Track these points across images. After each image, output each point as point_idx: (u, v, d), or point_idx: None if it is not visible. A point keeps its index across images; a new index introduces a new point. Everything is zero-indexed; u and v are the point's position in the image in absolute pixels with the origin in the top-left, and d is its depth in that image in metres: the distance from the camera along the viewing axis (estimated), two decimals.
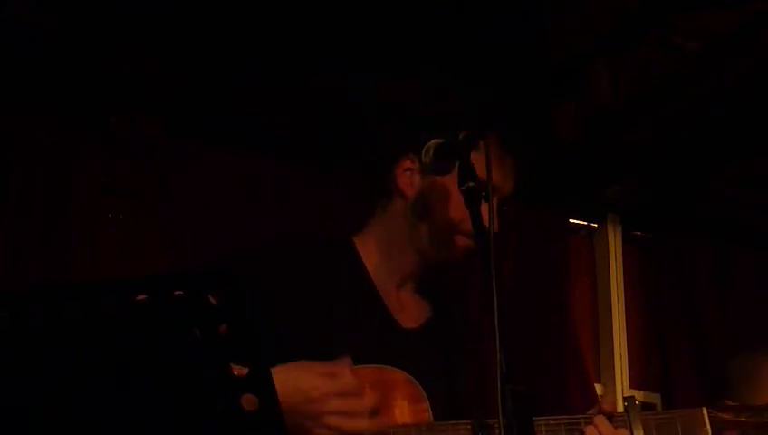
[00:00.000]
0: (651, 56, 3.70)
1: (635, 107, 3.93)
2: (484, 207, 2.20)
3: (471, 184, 2.23)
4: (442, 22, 3.58)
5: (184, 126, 3.90)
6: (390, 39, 3.60)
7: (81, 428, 1.48)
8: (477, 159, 2.29)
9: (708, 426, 2.25)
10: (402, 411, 2.31)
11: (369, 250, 2.60)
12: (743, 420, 2.27)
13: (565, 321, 4.30)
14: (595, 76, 3.86)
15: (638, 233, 4.70)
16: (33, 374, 1.47)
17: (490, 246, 2.10)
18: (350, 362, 2.25)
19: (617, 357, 4.45)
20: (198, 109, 3.88)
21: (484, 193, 2.22)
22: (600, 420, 2.25)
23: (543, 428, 2.24)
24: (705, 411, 2.27)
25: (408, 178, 2.57)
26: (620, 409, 2.31)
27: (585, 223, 4.63)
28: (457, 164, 2.31)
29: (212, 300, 1.44)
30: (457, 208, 2.46)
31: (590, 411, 2.29)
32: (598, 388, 4.38)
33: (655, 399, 4.48)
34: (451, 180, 2.43)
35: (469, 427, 2.25)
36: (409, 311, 2.57)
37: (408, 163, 2.58)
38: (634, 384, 4.47)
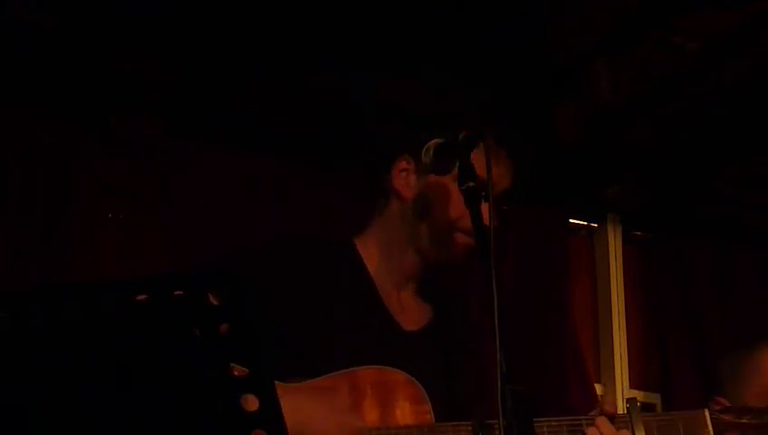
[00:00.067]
0: (651, 56, 3.70)
1: (635, 107, 3.93)
2: (485, 207, 2.20)
3: (471, 184, 2.23)
4: (442, 22, 3.58)
5: (184, 126, 3.90)
6: (390, 39, 3.60)
7: (81, 428, 1.47)
8: (476, 159, 2.29)
9: (710, 427, 2.25)
10: (404, 412, 2.31)
11: (371, 251, 2.60)
12: (744, 421, 2.27)
13: (565, 321, 4.30)
14: (595, 76, 3.86)
15: (638, 233, 4.70)
16: (33, 374, 1.47)
17: (490, 246, 2.10)
18: (361, 422, 2.25)
19: (617, 357, 4.45)
20: (198, 109, 3.88)
21: (484, 193, 2.21)
22: (602, 422, 2.25)
23: (545, 429, 2.24)
24: (706, 413, 2.27)
25: (404, 178, 2.57)
26: (621, 409, 2.31)
27: (585, 223, 4.63)
28: (457, 164, 2.31)
29: (212, 300, 1.44)
30: (455, 207, 2.46)
31: (592, 413, 2.29)
32: (598, 388, 4.38)
33: (655, 399, 4.48)
34: (448, 179, 2.44)
35: (470, 428, 2.25)
36: (410, 313, 2.57)
37: (403, 164, 2.58)
38: (634, 384, 4.47)
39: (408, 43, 3.61)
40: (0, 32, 3.44)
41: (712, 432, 2.25)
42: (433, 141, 2.38)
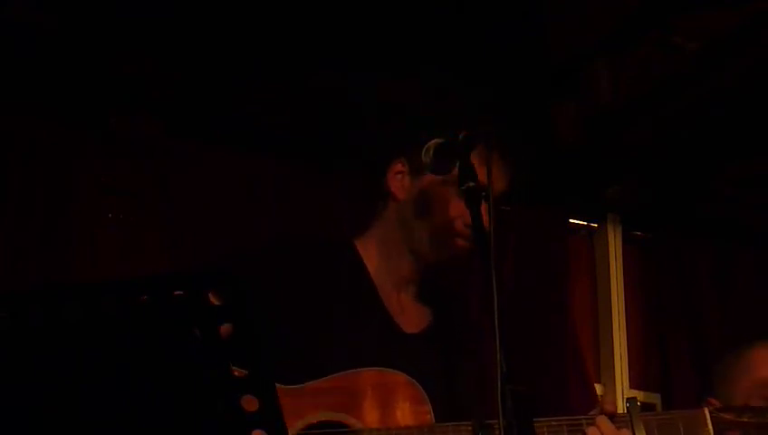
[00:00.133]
0: (651, 56, 3.70)
1: (635, 107, 3.93)
2: (484, 207, 2.20)
3: (471, 184, 2.23)
4: (442, 22, 3.58)
5: (184, 126, 3.90)
6: (390, 39, 3.60)
7: (81, 428, 1.47)
8: (474, 161, 2.29)
9: (710, 426, 2.25)
10: (404, 413, 2.31)
11: (371, 252, 2.60)
12: (744, 420, 2.27)
13: (565, 321, 4.30)
14: (595, 76, 3.86)
15: (638, 233, 4.70)
16: (33, 374, 1.47)
17: (490, 246, 2.10)
18: None
19: (617, 357, 4.45)
20: (198, 109, 3.88)
21: (484, 193, 2.21)
22: (602, 421, 2.25)
23: (545, 429, 2.24)
24: (706, 412, 2.27)
25: (399, 181, 2.58)
26: (621, 409, 2.31)
27: (585, 223, 4.63)
28: (457, 164, 2.31)
29: (212, 300, 1.44)
30: (449, 210, 2.46)
31: (592, 412, 2.29)
32: (598, 388, 4.38)
33: (655, 399, 4.48)
34: (442, 182, 2.44)
35: (470, 428, 2.25)
36: (410, 315, 2.57)
37: (398, 166, 2.58)
38: (634, 384, 4.47)
39: (408, 43, 3.61)
40: (0, 32, 3.44)
41: (712, 431, 2.25)
42: (433, 141, 2.38)
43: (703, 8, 3.47)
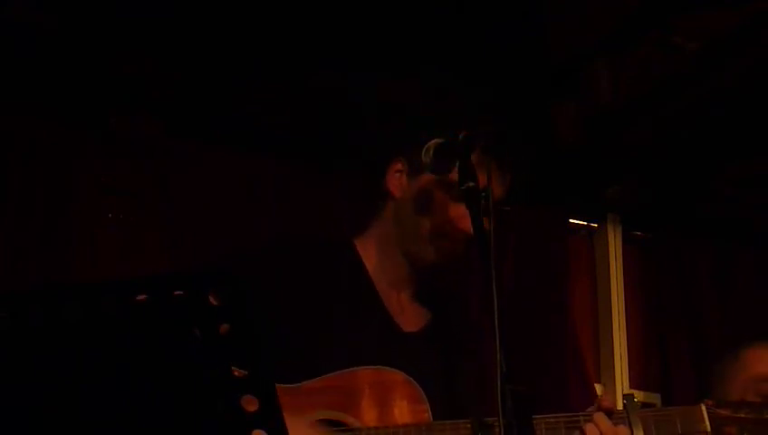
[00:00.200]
0: (651, 56, 3.70)
1: (635, 107, 3.93)
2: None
3: (471, 184, 2.23)
4: (442, 22, 3.58)
5: (184, 126, 3.90)
6: (390, 39, 3.60)
7: (81, 428, 1.47)
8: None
9: (707, 422, 2.26)
10: (402, 412, 2.31)
11: (370, 252, 2.60)
12: (741, 416, 2.27)
13: (565, 321, 4.30)
14: (595, 76, 3.86)
15: (638, 233, 4.70)
16: (33, 374, 1.47)
17: (490, 247, 2.10)
18: None
19: (617, 357, 4.45)
20: (198, 109, 3.88)
21: (484, 193, 2.21)
22: (600, 417, 2.25)
23: (543, 426, 2.24)
24: (703, 408, 2.27)
25: (398, 180, 2.58)
26: (620, 408, 2.30)
27: (585, 223, 4.63)
28: (457, 164, 2.31)
29: (212, 300, 1.44)
30: (444, 210, 2.46)
31: (590, 409, 2.29)
32: (598, 388, 4.38)
33: (655, 399, 4.48)
34: (437, 183, 2.44)
35: (469, 426, 2.25)
36: (409, 315, 2.57)
37: (398, 165, 2.58)
38: (634, 384, 4.47)
39: (408, 43, 3.61)
40: (0, 32, 3.44)
41: (709, 427, 2.25)
42: (433, 141, 2.38)
43: (703, 8, 3.47)
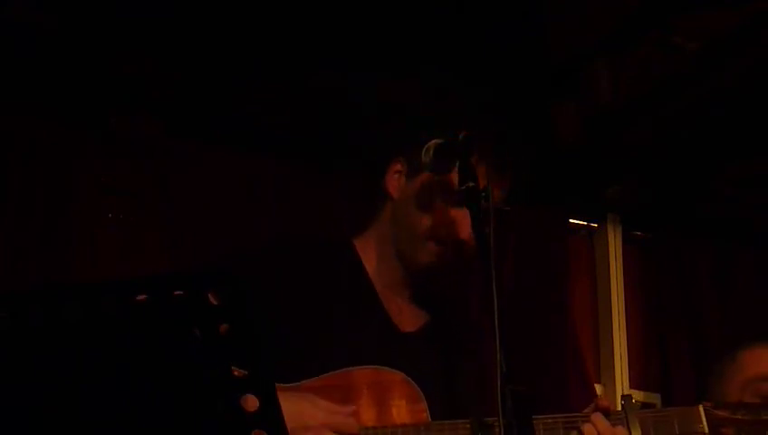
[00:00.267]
0: (651, 56, 3.70)
1: (635, 107, 3.93)
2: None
3: (471, 184, 2.23)
4: (442, 22, 3.58)
5: (184, 126, 3.90)
6: (390, 39, 3.60)
7: (81, 428, 1.47)
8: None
9: (705, 423, 2.26)
10: (400, 411, 2.31)
11: (369, 253, 2.60)
12: (739, 417, 2.28)
13: (565, 321, 4.30)
14: (595, 76, 3.86)
15: (638, 233, 4.70)
16: (33, 374, 1.47)
17: (490, 247, 2.10)
18: (355, 409, 2.26)
19: (617, 357, 4.45)
20: (198, 109, 3.88)
21: (484, 193, 2.21)
22: (598, 418, 2.25)
23: (541, 426, 2.24)
24: (701, 409, 2.28)
25: (396, 180, 2.57)
26: (619, 409, 2.31)
27: (585, 223, 4.63)
28: (457, 164, 2.31)
29: (212, 300, 1.44)
30: (434, 215, 2.45)
31: (587, 409, 2.29)
32: (598, 388, 4.38)
33: (655, 399, 4.48)
34: (431, 186, 2.44)
35: (468, 426, 2.25)
36: (407, 315, 2.57)
37: (398, 166, 2.58)
38: (634, 384, 4.47)
39: (408, 43, 3.61)
40: (0, 32, 3.44)
41: (706, 427, 2.25)
42: (433, 141, 2.38)
43: (703, 8, 3.47)
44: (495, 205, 2.44)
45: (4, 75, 3.56)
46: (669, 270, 4.62)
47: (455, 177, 2.30)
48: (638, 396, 4.37)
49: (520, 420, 1.85)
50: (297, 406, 2.18)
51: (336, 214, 3.85)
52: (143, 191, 3.83)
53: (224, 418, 1.46)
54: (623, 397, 2.32)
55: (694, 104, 3.87)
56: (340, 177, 4.03)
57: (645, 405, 4.31)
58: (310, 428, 2.18)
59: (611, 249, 4.59)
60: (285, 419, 1.46)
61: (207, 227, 3.79)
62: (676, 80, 3.78)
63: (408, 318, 2.56)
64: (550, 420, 2.26)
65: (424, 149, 2.39)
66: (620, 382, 4.41)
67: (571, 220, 4.57)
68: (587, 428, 2.24)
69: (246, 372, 1.45)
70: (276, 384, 1.50)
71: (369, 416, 2.31)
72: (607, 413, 2.26)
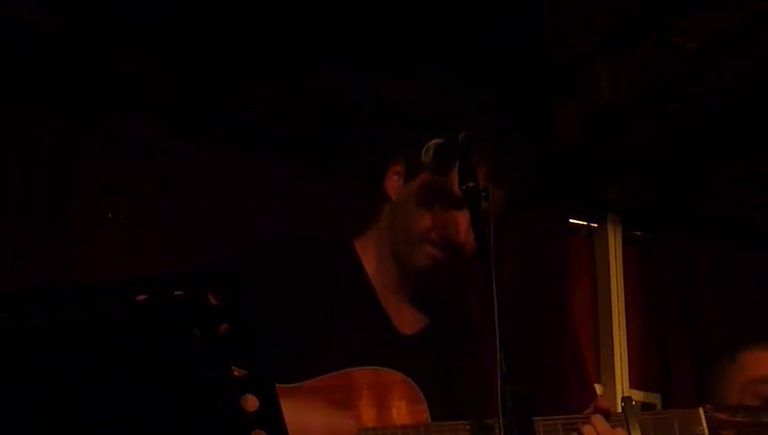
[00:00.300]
0: (651, 56, 3.71)
1: (635, 107, 3.93)
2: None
3: (471, 184, 2.22)
4: (442, 22, 3.58)
5: (184, 126, 3.90)
6: (390, 39, 3.60)
7: (81, 428, 1.47)
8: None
9: (705, 425, 2.26)
10: (400, 412, 2.31)
11: (369, 254, 2.59)
12: (739, 420, 2.27)
13: (565, 321, 4.30)
14: (595, 76, 3.86)
15: (638, 233, 4.70)
16: (33, 374, 1.47)
17: (490, 247, 2.10)
18: (356, 424, 2.26)
19: (617, 357, 4.45)
20: (198, 109, 3.88)
21: (484, 193, 2.21)
22: (598, 420, 2.24)
23: (541, 428, 2.24)
24: (701, 411, 2.27)
25: (396, 182, 2.57)
26: (619, 410, 2.31)
27: (585, 223, 4.63)
28: (457, 164, 2.30)
29: (212, 300, 1.44)
30: (423, 218, 2.45)
31: (587, 411, 2.29)
32: (598, 388, 4.38)
33: (655, 399, 4.48)
34: (428, 188, 2.44)
35: (468, 427, 2.25)
36: (406, 317, 2.57)
37: (397, 167, 2.58)
38: (634, 384, 4.47)
39: (408, 43, 3.61)
40: (0, 32, 3.44)
41: (707, 430, 2.25)
42: (433, 141, 2.37)
43: (703, 8, 3.47)
44: (496, 205, 2.44)
45: (4, 75, 3.56)
46: (669, 270, 4.62)
47: (454, 177, 2.30)
48: (638, 396, 4.37)
49: (520, 420, 1.85)
50: (296, 414, 2.18)
51: (336, 214, 3.85)
52: (143, 191, 3.83)
53: (224, 418, 1.46)
54: (623, 399, 2.31)
55: (694, 104, 3.87)
56: (340, 177, 4.03)
57: (645, 405, 4.31)
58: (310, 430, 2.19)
59: (611, 249, 4.59)
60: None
61: (207, 227, 3.79)
62: (676, 80, 3.79)
63: (407, 320, 2.56)
64: (549, 422, 2.26)
65: (424, 150, 2.38)
66: (620, 382, 4.42)
67: (571, 220, 4.57)
68: (587, 429, 2.24)
69: (246, 372, 1.45)
70: (277, 385, 1.50)
71: (369, 417, 2.31)
72: (606, 414, 2.26)
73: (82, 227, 3.69)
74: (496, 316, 1.94)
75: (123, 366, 1.46)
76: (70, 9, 3.46)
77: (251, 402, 1.45)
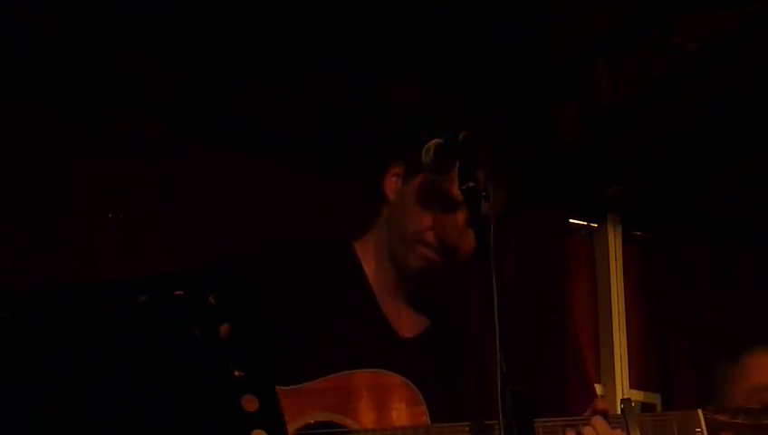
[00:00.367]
0: (651, 56, 3.71)
1: (635, 107, 3.93)
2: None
3: (471, 184, 2.22)
4: (442, 22, 3.58)
5: (184, 126, 3.91)
6: (390, 39, 3.60)
7: (81, 428, 1.47)
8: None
9: (704, 427, 2.26)
10: (399, 414, 2.31)
11: (368, 255, 2.59)
12: (738, 421, 2.27)
13: (565, 321, 4.30)
14: (595, 76, 3.87)
15: (638, 233, 4.70)
16: (33, 374, 1.47)
17: (490, 247, 2.10)
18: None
19: (617, 357, 4.45)
20: (198, 109, 3.88)
21: (484, 193, 2.21)
22: (598, 421, 2.24)
23: (541, 429, 2.24)
24: (700, 413, 2.27)
25: (394, 183, 2.57)
26: (618, 411, 2.31)
27: (585, 223, 4.63)
28: (457, 164, 2.30)
29: (212, 300, 1.44)
30: (418, 220, 2.45)
31: (586, 413, 2.29)
32: (598, 388, 4.38)
33: (655, 399, 4.48)
34: (425, 189, 2.43)
35: (467, 429, 2.25)
36: (406, 320, 2.56)
37: (396, 169, 2.57)
38: (634, 384, 4.47)
39: (408, 43, 3.62)
40: (0, 32, 3.44)
41: (706, 432, 2.25)
42: (433, 141, 2.37)
43: (703, 8, 3.47)
44: (496, 205, 2.44)
45: (5, 75, 3.56)
46: (669, 270, 4.62)
47: (452, 178, 2.30)
48: (638, 396, 4.37)
49: (520, 420, 1.85)
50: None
51: (336, 214, 3.85)
52: (143, 191, 3.83)
53: (224, 418, 1.46)
54: (622, 401, 2.31)
55: (694, 104, 3.87)
56: (340, 177, 4.03)
57: (645, 405, 4.31)
58: None
59: (611, 249, 4.59)
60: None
61: (207, 227, 3.79)
62: (676, 80, 3.79)
63: (406, 323, 2.56)
64: (549, 424, 2.26)
65: (424, 150, 2.38)
66: (620, 382, 4.42)
67: (571, 220, 4.57)
68: (587, 430, 2.24)
69: (246, 373, 1.45)
70: (277, 387, 1.50)
71: (368, 419, 2.31)
72: (605, 415, 2.26)
73: (82, 227, 3.69)
74: (496, 316, 1.94)
75: (123, 366, 1.46)
76: (70, 9, 3.46)
77: (251, 402, 1.45)
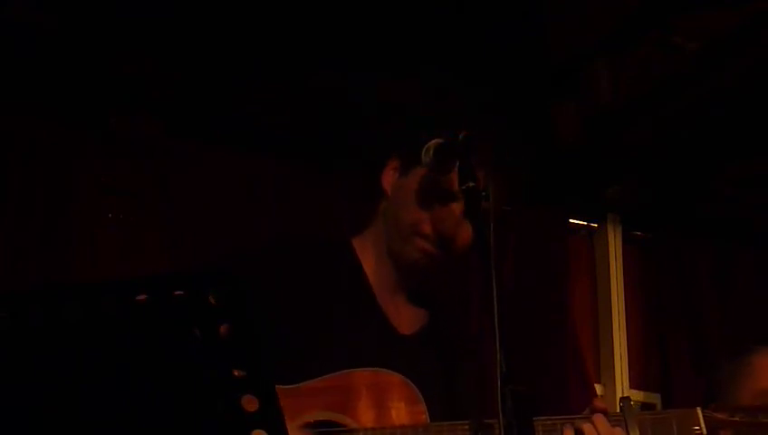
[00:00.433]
0: (651, 56, 3.71)
1: (635, 107, 3.94)
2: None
3: (471, 184, 2.22)
4: (442, 22, 3.58)
5: (184, 126, 3.91)
6: (390, 39, 3.60)
7: (81, 428, 1.48)
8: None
9: (703, 425, 2.26)
10: (399, 413, 2.31)
11: (367, 253, 2.59)
12: (737, 420, 2.28)
13: (565, 321, 4.30)
14: (595, 76, 3.87)
15: (638, 233, 4.70)
16: (33, 374, 1.47)
17: (490, 247, 2.10)
18: None
19: (617, 357, 4.45)
20: (198, 109, 3.88)
21: (484, 193, 2.21)
22: (599, 419, 2.24)
23: (540, 428, 2.24)
24: (699, 411, 2.27)
25: (392, 177, 2.57)
26: (618, 410, 2.31)
27: (585, 223, 4.63)
28: (457, 164, 2.30)
29: (212, 300, 1.44)
30: (414, 212, 2.45)
31: (585, 411, 2.29)
32: (598, 388, 4.38)
33: (655, 399, 4.48)
34: (421, 182, 2.43)
35: (467, 428, 2.25)
36: (405, 317, 2.56)
37: (394, 163, 2.57)
38: (634, 384, 4.47)
39: (408, 43, 3.62)
40: (0, 32, 3.44)
41: (704, 430, 2.25)
42: (433, 141, 2.37)
43: (703, 8, 3.47)
44: (495, 205, 2.44)
45: (5, 75, 3.56)
46: (669, 270, 4.63)
47: (453, 178, 2.30)
48: (637, 396, 4.37)
49: (520, 420, 1.85)
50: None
51: (336, 214, 3.85)
52: (143, 191, 3.83)
53: (224, 418, 1.46)
54: (621, 399, 2.31)
55: (694, 104, 3.87)
56: (340, 177, 4.03)
57: (645, 405, 4.31)
58: None
59: (611, 249, 4.60)
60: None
61: (207, 227, 3.79)
62: (676, 80, 3.79)
63: (406, 320, 2.56)
64: (549, 423, 2.26)
65: (424, 149, 2.38)
66: (620, 382, 4.42)
67: (571, 220, 4.57)
68: (587, 427, 2.24)
69: (246, 373, 1.45)
70: (276, 386, 1.50)
71: (368, 418, 2.31)
72: (604, 415, 2.26)
73: (82, 227, 3.69)
74: (496, 316, 1.94)
75: (123, 366, 1.46)
76: (70, 9, 3.46)
77: (251, 402, 1.45)
